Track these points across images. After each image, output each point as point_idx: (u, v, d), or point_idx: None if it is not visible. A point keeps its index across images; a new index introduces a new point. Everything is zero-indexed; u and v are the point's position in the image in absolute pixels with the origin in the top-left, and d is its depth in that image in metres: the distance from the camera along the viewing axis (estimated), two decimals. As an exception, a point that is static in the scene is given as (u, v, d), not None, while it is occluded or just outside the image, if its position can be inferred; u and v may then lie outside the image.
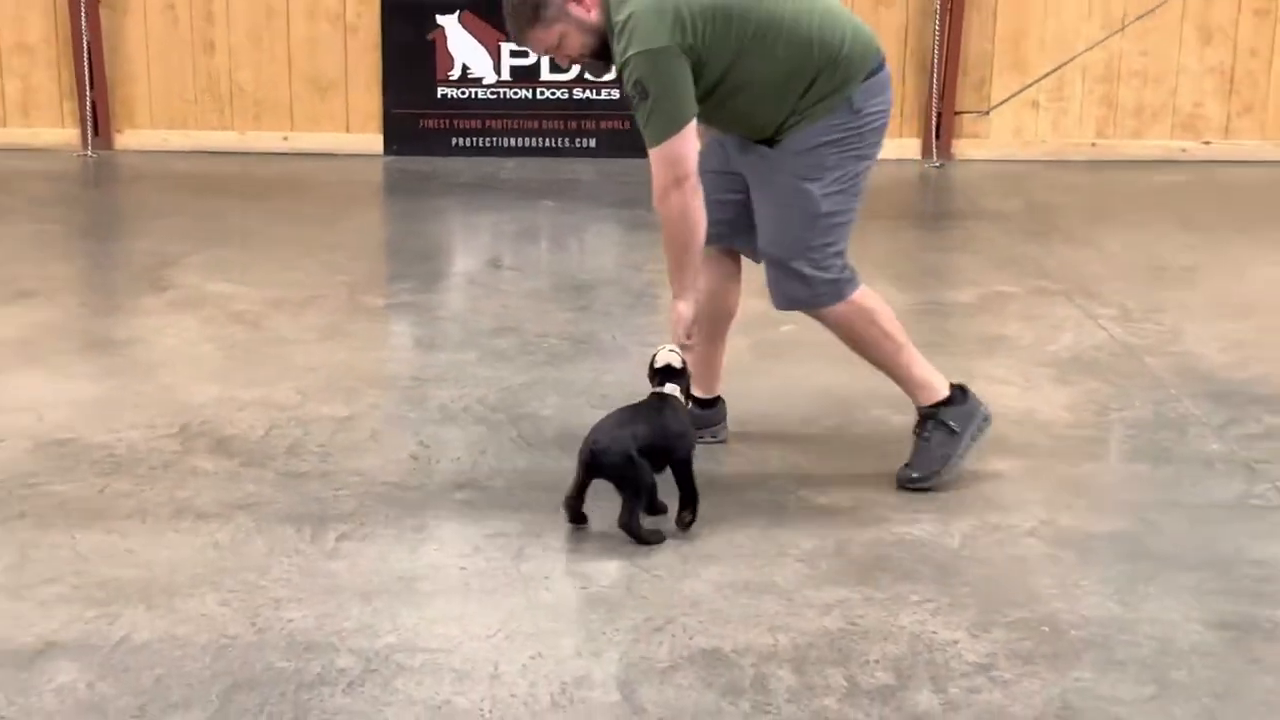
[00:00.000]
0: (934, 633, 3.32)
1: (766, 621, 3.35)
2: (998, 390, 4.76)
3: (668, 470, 3.79)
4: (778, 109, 3.89)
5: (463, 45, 8.52)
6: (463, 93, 8.58)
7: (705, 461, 4.00)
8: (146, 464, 4.19)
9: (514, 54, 8.55)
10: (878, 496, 4.01)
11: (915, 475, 4.07)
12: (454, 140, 8.63)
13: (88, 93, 8.39)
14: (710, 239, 3.95)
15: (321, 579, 3.55)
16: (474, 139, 8.64)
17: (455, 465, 4.22)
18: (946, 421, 4.09)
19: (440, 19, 8.49)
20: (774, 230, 3.98)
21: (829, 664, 3.19)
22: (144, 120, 8.57)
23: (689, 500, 3.79)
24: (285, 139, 8.64)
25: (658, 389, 3.86)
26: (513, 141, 8.65)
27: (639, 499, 3.70)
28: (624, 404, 3.87)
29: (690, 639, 3.28)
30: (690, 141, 3.80)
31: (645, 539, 3.69)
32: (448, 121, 8.52)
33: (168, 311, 5.69)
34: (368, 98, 8.60)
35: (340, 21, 8.56)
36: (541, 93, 8.62)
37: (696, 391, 4.29)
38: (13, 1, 8.41)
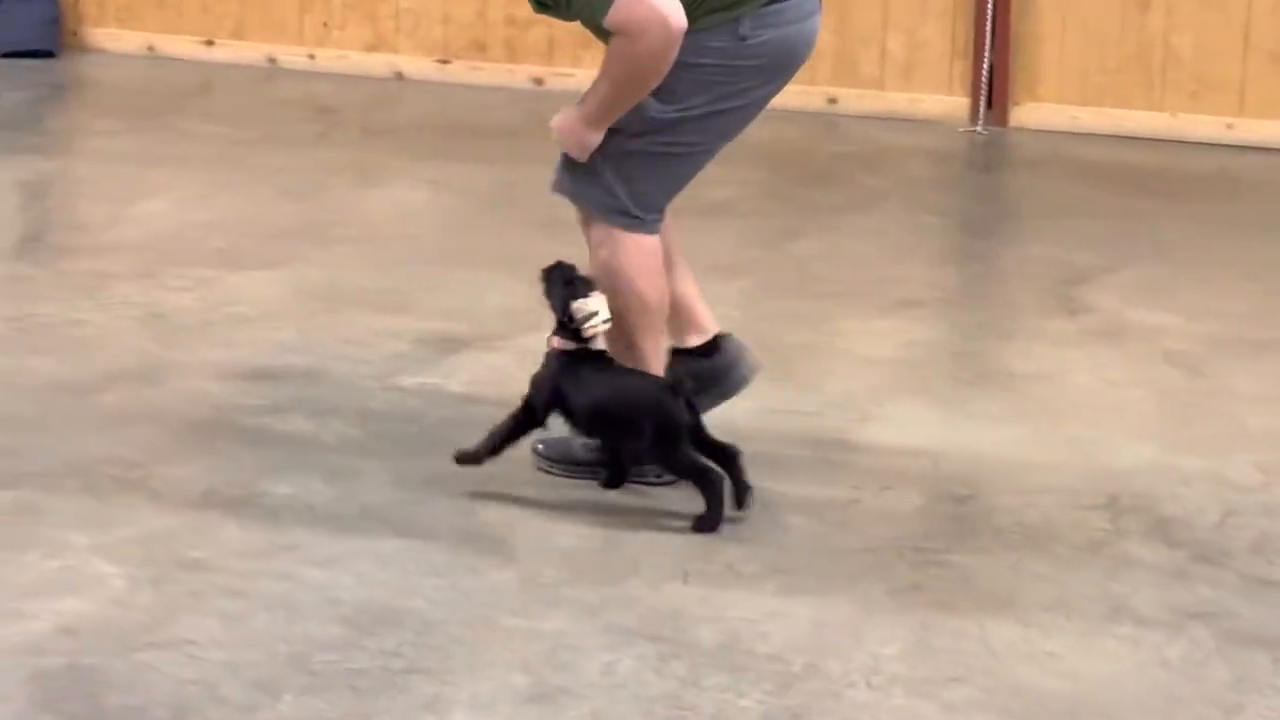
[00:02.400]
0: None
1: None
2: None
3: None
4: None
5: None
6: None
7: None
8: (1067, 541, 4.26)
9: None
10: None
11: (540, 450, 4.48)
12: None
13: (985, 54, 8.60)
14: None
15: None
16: None
17: None
18: None
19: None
20: None
21: None
22: (1049, 92, 8.70)
23: None
24: (1229, 126, 8.51)
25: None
26: None
27: None
28: None
29: None
30: None
31: None
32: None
33: (1081, 341, 5.75)
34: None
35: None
36: None
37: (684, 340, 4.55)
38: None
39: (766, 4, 4.23)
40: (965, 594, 3.98)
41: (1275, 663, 3.70)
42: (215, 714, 3.43)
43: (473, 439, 4.41)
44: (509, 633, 3.75)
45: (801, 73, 8.80)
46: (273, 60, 9.55)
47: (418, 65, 9.31)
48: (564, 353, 4.31)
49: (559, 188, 4.43)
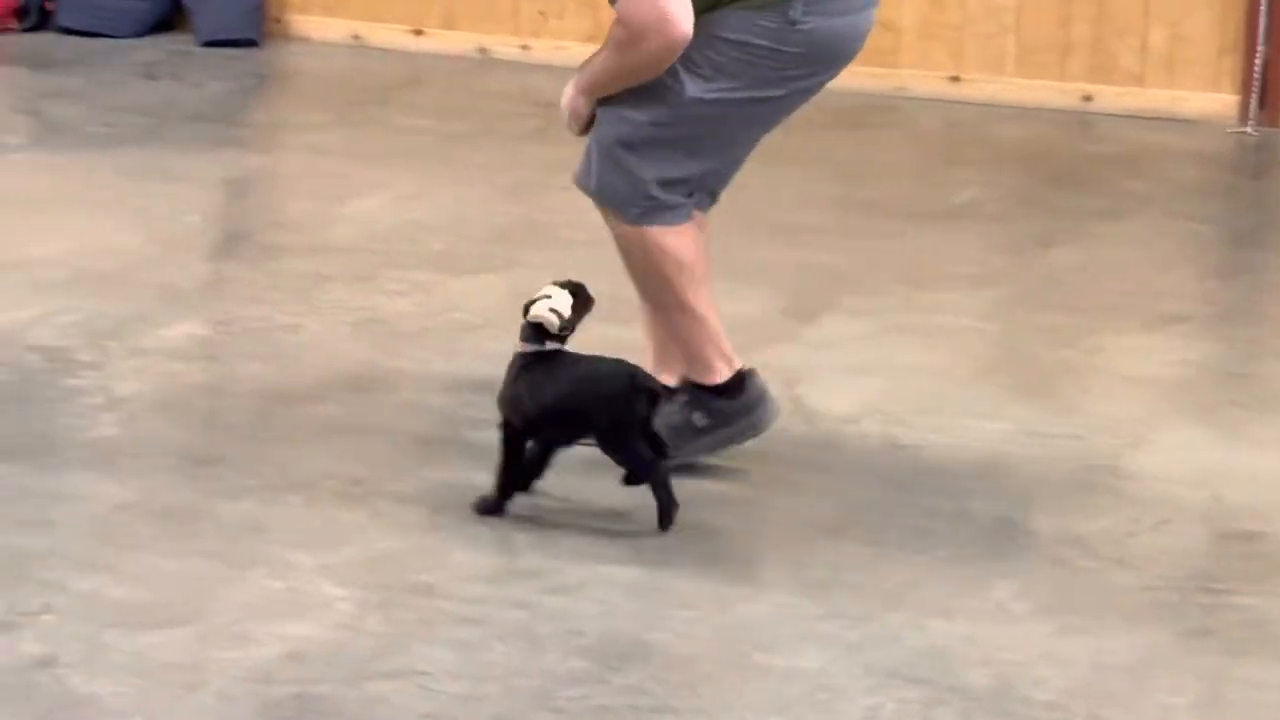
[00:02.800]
0: None
1: None
2: None
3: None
4: None
5: None
6: None
7: None
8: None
9: None
10: None
11: None
12: None
13: (1258, 47, 8.41)
14: None
15: None
16: None
17: None
18: (694, 411, 4.43)
19: None
20: (622, 103, 4.31)
21: None
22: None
23: None
24: None
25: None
26: None
27: None
28: None
29: None
30: None
31: None
32: None
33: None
34: None
35: None
36: None
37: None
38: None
39: None
40: (1262, 639, 3.88)
41: None
42: (452, 750, 3.41)
43: (712, 459, 4.39)
44: (763, 671, 3.69)
45: (1053, 67, 8.74)
46: (484, 51, 9.56)
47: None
48: (520, 354, 4.38)
49: (580, 180, 4.50)
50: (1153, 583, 4.12)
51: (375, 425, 4.88)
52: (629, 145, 4.35)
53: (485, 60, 9.46)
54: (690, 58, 4.24)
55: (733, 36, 4.25)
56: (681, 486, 4.33)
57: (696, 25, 4.17)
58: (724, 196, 7.04)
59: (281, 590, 3.98)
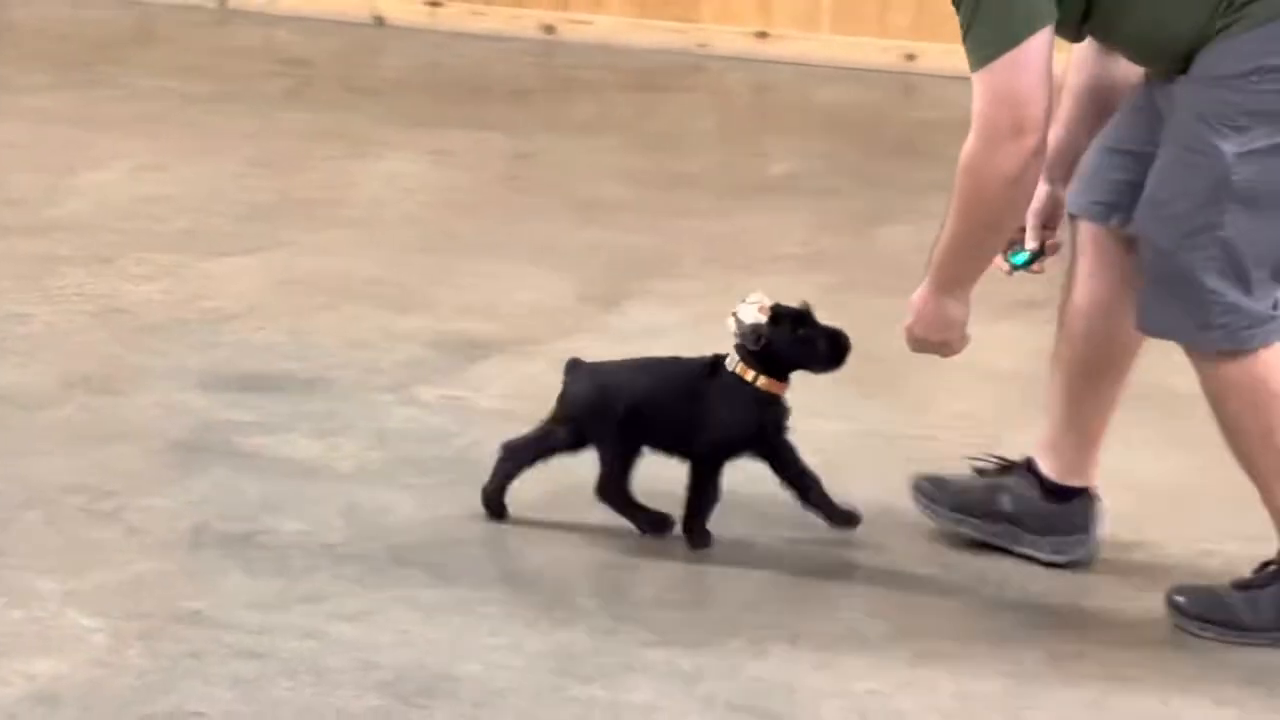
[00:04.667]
0: None
1: None
2: None
3: None
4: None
5: None
6: None
7: None
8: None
9: None
10: None
11: (1182, 602, 4.06)
12: None
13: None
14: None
15: None
16: None
17: None
18: None
19: None
20: (1155, 198, 3.87)
21: None
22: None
23: None
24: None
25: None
26: None
27: None
28: None
29: None
30: (1031, 75, 3.76)
31: None
32: None
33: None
34: None
35: None
36: None
37: (1051, 472, 4.31)
38: None
39: None
40: (1138, 662, 3.93)
41: None
42: (230, 805, 3.35)
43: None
44: (587, 705, 3.67)
45: (873, 22, 8.79)
46: (224, 2, 9.47)
47: (403, 9, 9.24)
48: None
49: (1147, 327, 4.03)
50: (1020, 601, 4.17)
51: (125, 431, 4.80)
52: (1179, 248, 3.84)
53: (225, 12, 9.37)
54: (1209, 110, 3.78)
55: (1239, 68, 3.75)
56: (474, 500, 4.33)
57: (1202, 68, 3.79)
58: (509, 168, 7.05)
59: (23, 621, 3.87)
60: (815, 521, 4.36)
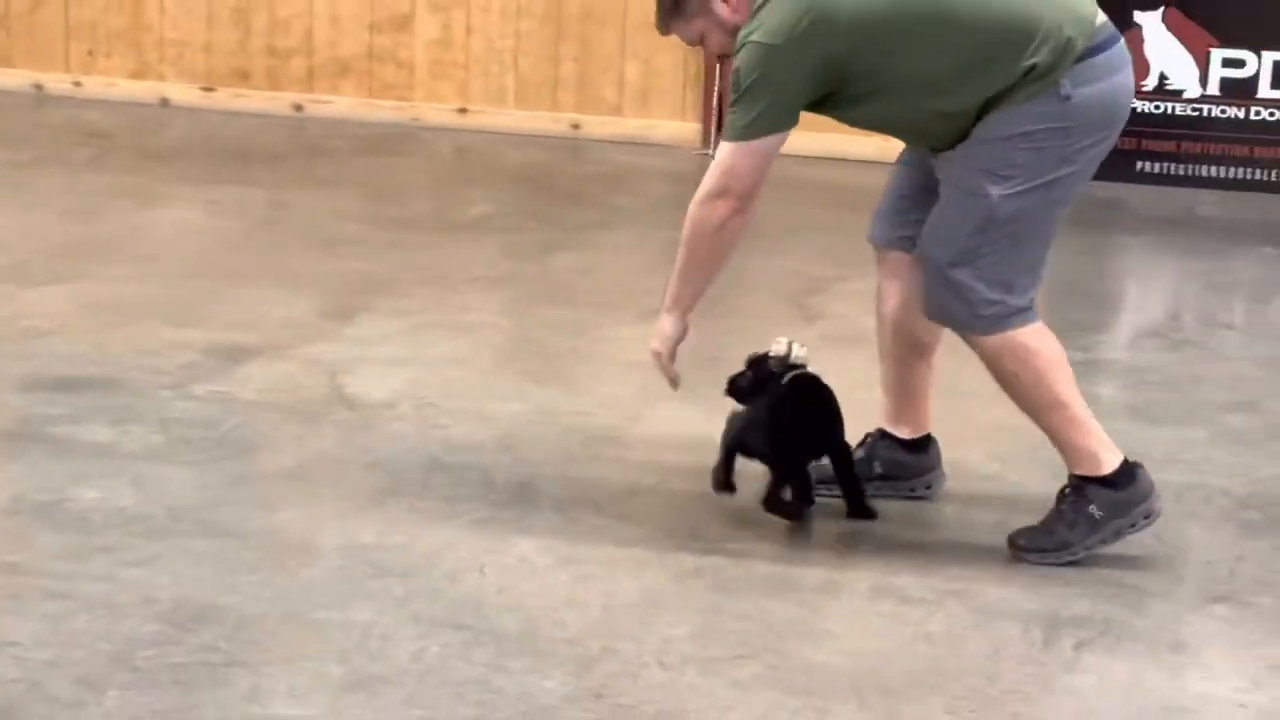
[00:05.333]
0: None
1: None
2: None
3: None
4: (957, 101, 3.86)
5: (1163, 50, 8.33)
6: (1156, 107, 8.38)
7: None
8: (834, 530, 4.29)
9: (1226, 63, 8.29)
10: None
11: (1021, 544, 4.07)
12: (1140, 164, 8.42)
13: (715, 82, 8.64)
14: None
15: (1065, 696, 3.49)
16: (1165, 165, 8.41)
17: (1206, 571, 4.08)
18: (1091, 502, 4.01)
19: (1139, 16, 8.30)
20: (937, 227, 3.99)
21: None
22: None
23: None
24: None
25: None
26: (1215, 171, 8.38)
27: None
28: None
29: None
30: (756, 162, 3.86)
31: None
32: (1136, 142, 8.31)
33: (822, 345, 5.75)
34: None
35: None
36: (1258, 112, 8.31)
37: (895, 430, 4.36)
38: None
39: (1078, 60, 3.87)
40: (745, 578, 3.97)
41: (1025, 632, 3.75)
42: (41, 711, 3.28)
43: (268, 443, 4.33)
44: (322, 625, 3.65)
45: (547, 99, 8.80)
46: (39, 87, 9.24)
47: (183, 93, 9.09)
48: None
49: (933, 315, 4.10)
50: (652, 534, 4.18)
51: (-45, 424, 4.67)
52: (956, 263, 3.94)
53: (41, 96, 9.14)
54: (983, 164, 3.88)
55: (1015, 131, 3.85)
56: (249, 471, 4.25)
57: (978, 134, 3.89)
58: (267, 215, 6.97)
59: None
60: (498, 479, 4.38)
